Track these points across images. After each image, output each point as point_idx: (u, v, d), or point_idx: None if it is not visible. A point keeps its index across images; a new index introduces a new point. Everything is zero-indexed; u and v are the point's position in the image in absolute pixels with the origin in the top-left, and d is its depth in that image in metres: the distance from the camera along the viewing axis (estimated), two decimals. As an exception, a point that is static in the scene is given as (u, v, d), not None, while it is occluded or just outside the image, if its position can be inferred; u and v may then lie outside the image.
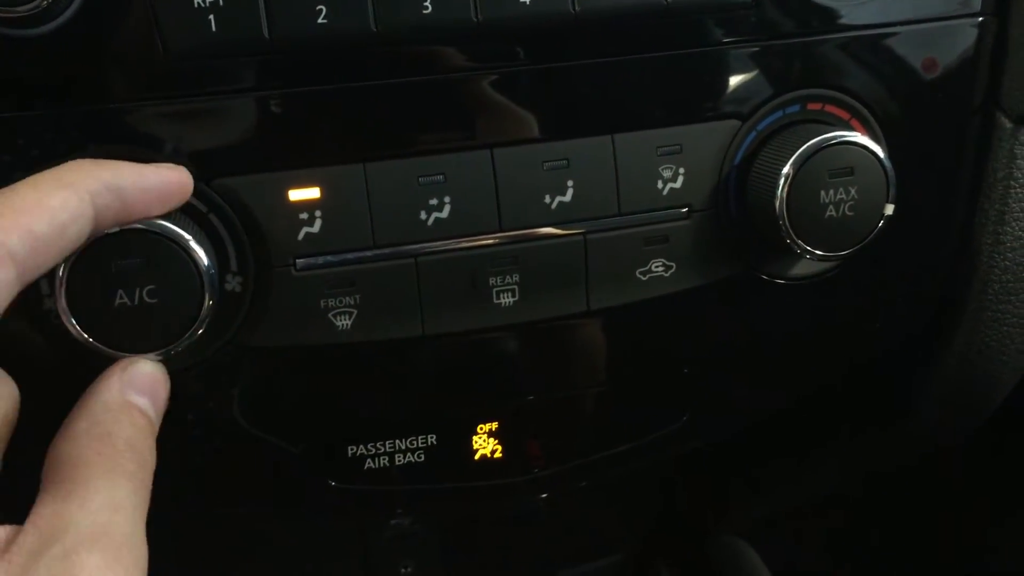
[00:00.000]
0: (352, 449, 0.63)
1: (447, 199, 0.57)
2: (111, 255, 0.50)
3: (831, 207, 0.58)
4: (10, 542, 0.40)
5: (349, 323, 0.57)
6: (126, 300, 0.50)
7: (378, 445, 0.63)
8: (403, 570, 0.95)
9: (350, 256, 0.56)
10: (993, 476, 1.06)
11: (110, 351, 0.50)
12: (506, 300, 0.59)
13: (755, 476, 0.87)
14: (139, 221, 0.50)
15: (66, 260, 0.49)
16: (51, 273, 0.51)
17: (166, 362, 0.51)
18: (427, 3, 0.53)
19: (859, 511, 1.13)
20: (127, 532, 0.41)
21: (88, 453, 0.43)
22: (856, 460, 0.85)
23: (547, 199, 0.58)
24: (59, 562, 0.38)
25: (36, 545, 0.39)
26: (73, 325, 0.50)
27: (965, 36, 0.63)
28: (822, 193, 0.58)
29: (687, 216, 0.60)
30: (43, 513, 0.41)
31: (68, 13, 0.51)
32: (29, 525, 0.40)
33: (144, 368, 0.49)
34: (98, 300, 0.50)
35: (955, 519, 1.10)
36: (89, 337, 0.50)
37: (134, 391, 0.48)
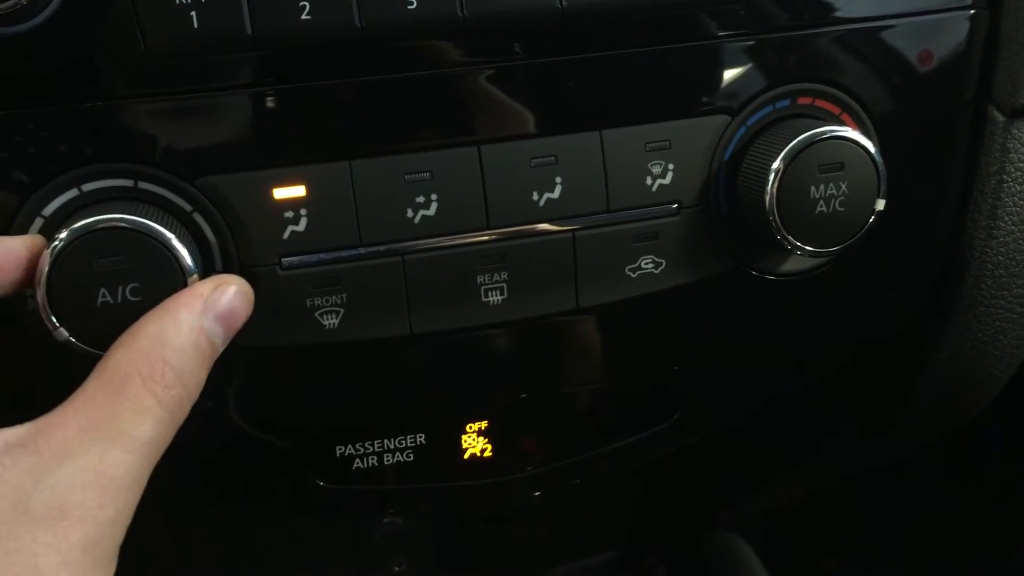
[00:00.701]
0: (340, 449, 0.62)
1: (434, 196, 0.56)
2: (93, 253, 0.49)
3: (821, 202, 0.58)
4: (15, 441, 0.40)
5: (336, 322, 0.57)
6: (109, 299, 0.49)
7: (367, 445, 0.63)
8: (396, 567, 0.95)
9: (336, 255, 0.56)
10: (992, 471, 1.06)
11: (92, 351, 0.50)
12: (494, 298, 0.58)
13: (748, 472, 0.87)
14: (122, 220, 0.50)
15: (48, 257, 0.49)
16: (34, 272, 0.51)
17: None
18: (413, -2, 0.53)
19: (853, 505, 1.13)
20: (128, 478, 0.41)
21: (136, 374, 0.42)
22: (849, 456, 0.85)
23: (535, 196, 0.57)
24: (48, 492, 0.38)
25: (33, 454, 0.39)
26: (55, 324, 0.49)
27: (957, 29, 0.63)
28: (812, 188, 0.58)
29: (677, 212, 0.60)
30: (59, 419, 0.41)
31: (48, 11, 0.50)
32: (45, 424, 0.40)
33: (230, 293, 0.48)
34: (80, 299, 0.49)
35: (952, 514, 1.09)
36: (71, 336, 0.49)
37: (213, 315, 0.46)
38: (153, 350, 0.44)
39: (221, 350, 0.47)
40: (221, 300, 0.47)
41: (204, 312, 0.46)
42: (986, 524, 1.04)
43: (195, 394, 0.45)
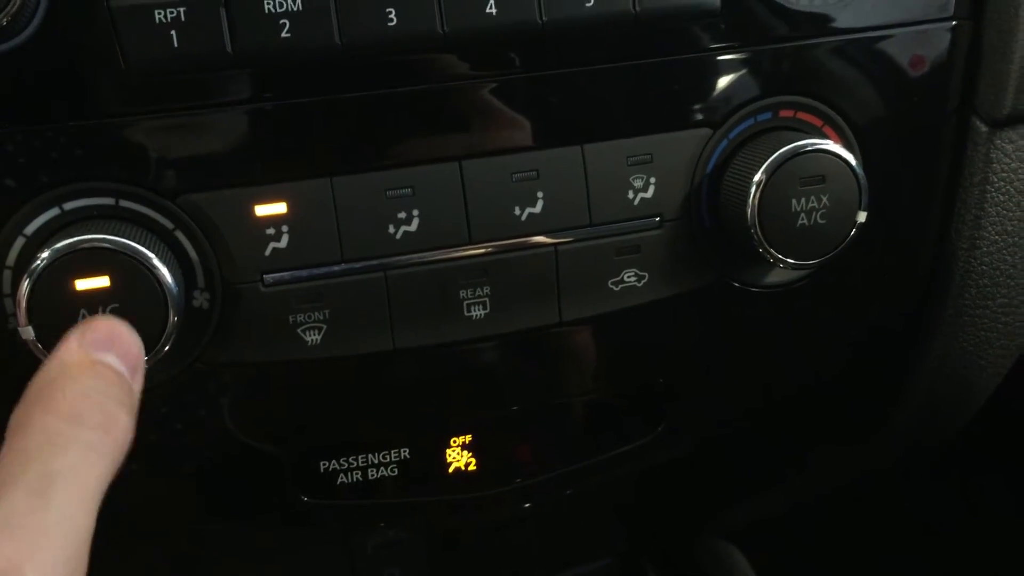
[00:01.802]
0: (324, 464, 0.63)
1: (416, 212, 0.56)
2: (74, 274, 0.49)
3: (803, 215, 0.58)
4: None
5: (319, 338, 0.57)
6: (89, 319, 0.49)
7: (351, 460, 0.63)
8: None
9: (318, 271, 0.56)
10: (987, 476, 1.06)
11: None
12: (477, 313, 0.58)
13: (735, 482, 0.87)
14: (103, 240, 0.50)
15: (28, 278, 0.49)
16: (13, 292, 0.51)
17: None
18: (392, 15, 0.53)
19: (846, 513, 1.13)
20: (58, 524, 0.36)
21: (35, 418, 0.39)
22: (837, 465, 0.85)
23: (517, 211, 0.58)
24: None
25: None
26: (36, 345, 0.49)
27: (939, 40, 0.63)
28: (794, 201, 0.58)
29: (659, 226, 0.60)
30: None
31: (28, 31, 0.50)
32: None
33: (102, 323, 0.45)
34: (61, 319, 0.49)
35: (944, 520, 1.09)
36: (52, 357, 0.49)
37: (97, 349, 0.43)
38: (42, 391, 0.41)
39: (136, 377, 0.45)
40: (95, 330, 0.44)
41: (84, 348, 0.43)
42: (981, 535, 1.04)
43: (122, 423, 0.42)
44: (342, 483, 0.63)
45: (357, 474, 0.63)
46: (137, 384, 0.45)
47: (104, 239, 0.50)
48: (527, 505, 0.70)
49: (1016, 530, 1.03)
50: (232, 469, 0.61)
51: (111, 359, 0.44)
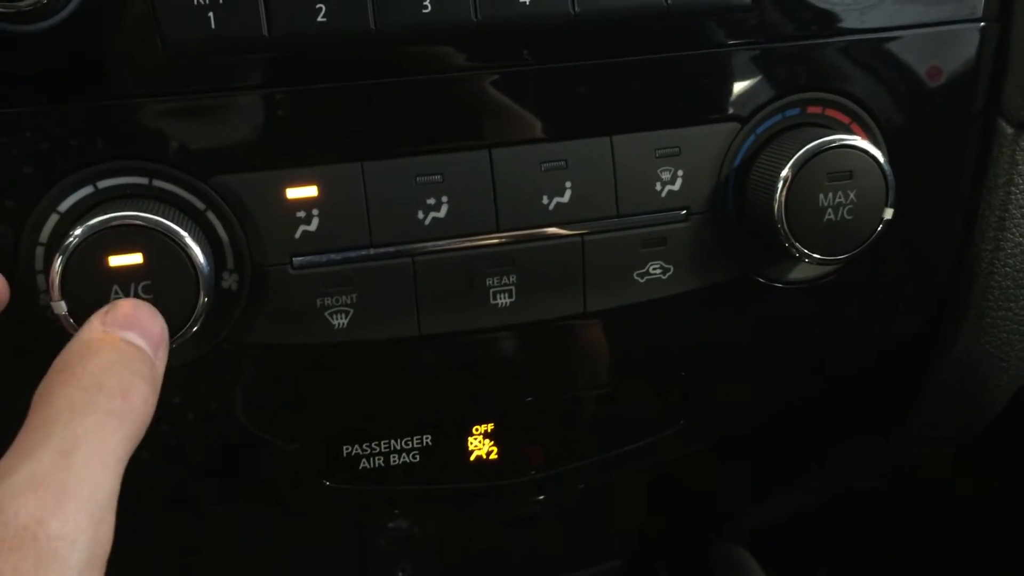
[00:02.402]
0: (348, 449, 0.63)
1: (445, 199, 0.56)
2: (106, 250, 0.50)
3: (830, 210, 0.58)
4: None
5: (345, 322, 0.57)
6: (121, 295, 0.50)
7: (373, 445, 0.63)
8: (400, 572, 0.95)
9: (347, 255, 0.56)
10: (998, 481, 1.05)
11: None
12: (503, 301, 0.59)
13: (754, 482, 0.87)
14: (136, 217, 0.50)
15: (61, 255, 0.50)
16: (47, 269, 0.51)
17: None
18: (427, 2, 0.53)
19: (860, 519, 1.13)
20: (81, 481, 0.38)
21: (57, 389, 0.41)
22: (855, 465, 0.84)
23: (545, 200, 0.58)
24: None
25: None
26: (68, 321, 0.50)
27: (967, 41, 0.63)
28: (821, 196, 0.58)
29: (685, 218, 0.60)
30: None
31: (68, 9, 0.51)
32: None
33: (124, 304, 0.47)
34: (93, 296, 0.50)
35: (959, 523, 1.09)
36: (84, 332, 0.50)
37: (119, 327, 0.45)
38: (66, 365, 0.42)
39: (159, 355, 0.47)
40: (117, 312, 0.46)
41: (106, 327, 0.45)
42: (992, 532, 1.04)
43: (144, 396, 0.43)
44: (364, 468, 0.63)
45: (379, 459, 0.63)
46: (160, 361, 0.47)
47: (138, 216, 0.50)
48: (544, 497, 0.70)
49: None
50: (254, 451, 0.61)
51: (132, 336, 0.46)
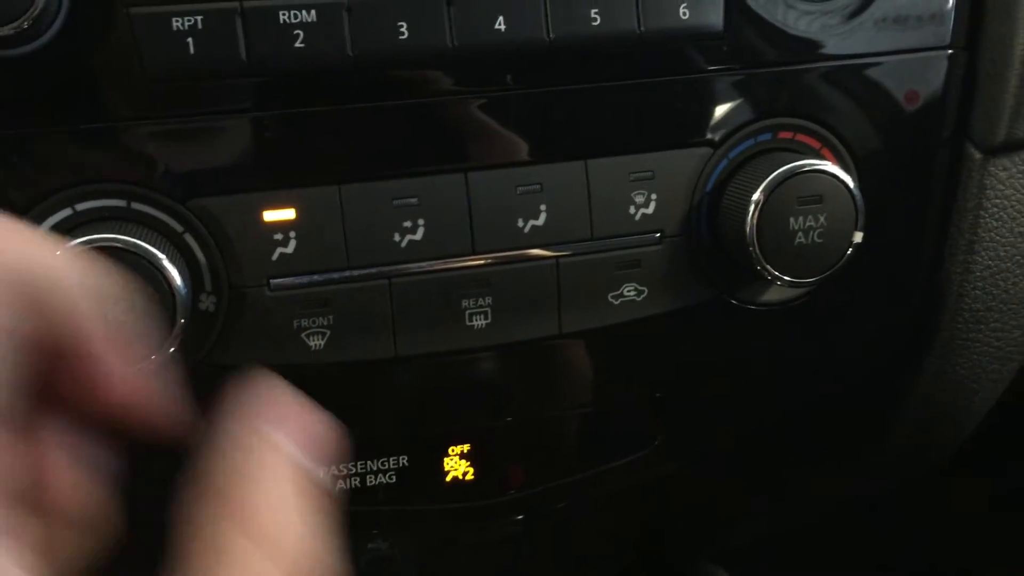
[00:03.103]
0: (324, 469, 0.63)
1: (421, 222, 0.57)
2: (84, 273, 0.50)
3: (800, 234, 0.59)
4: None
5: (322, 343, 0.57)
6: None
7: (350, 466, 0.63)
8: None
9: (324, 277, 0.57)
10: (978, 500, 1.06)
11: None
12: (479, 322, 0.59)
13: (729, 502, 0.87)
14: (114, 240, 0.51)
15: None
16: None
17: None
18: (403, 28, 0.54)
19: (840, 537, 1.13)
20: None
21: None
22: (829, 489, 0.85)
23: (520, 223, 0.59)
24: None
25: None
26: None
27: (935, 68, 0.64)
28: (791, 220, 0.59)
29: (659, 241, 0.61)
30: None
31: (49, 34, 0.51)
32: None
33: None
34: (70, 317, 0.50)
35: (941, 543, 1.10)
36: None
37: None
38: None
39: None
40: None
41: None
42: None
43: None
44: (340, 489, 0.63)
45: (356, 480, 0.64)
46: None
47: (115, 239, 0.51)
48: (524, 517, 0.71)
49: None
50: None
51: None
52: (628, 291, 0.61)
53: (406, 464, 0.64)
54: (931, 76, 0.64)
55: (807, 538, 1.05)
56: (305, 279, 0.57)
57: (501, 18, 0.55)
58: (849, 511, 0.94)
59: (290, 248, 0.56)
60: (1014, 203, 0.67)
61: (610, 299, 0.61)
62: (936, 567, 1.09)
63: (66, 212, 0.54)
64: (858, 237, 0.60)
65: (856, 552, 1.13)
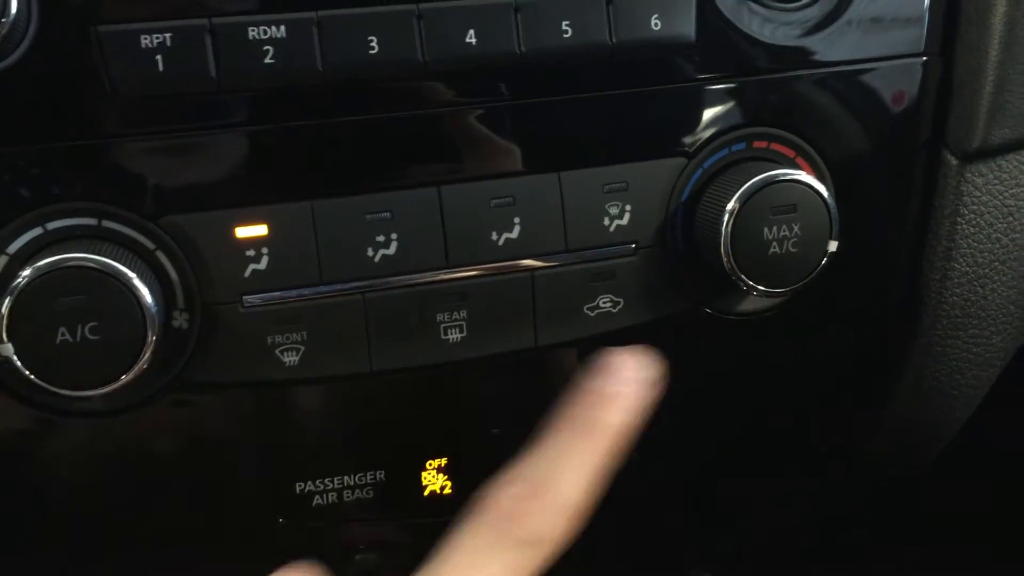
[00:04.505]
0: (300, 486, 0.63)
1: (394, 236, 0.57)
2: (54, 292, 0.50)
3: (775, 243, 0.59)
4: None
5: (296, 359, 0.57)
6: (68, 337, 0.50)
7: (327, 481, 0.63)
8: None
9: (297, 293, 0.56)
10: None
11: (54, 388, 0.51)
12: (454, 336, 0.59)
13: (713, 512, 0.87)
14: (84, 259, 0.51)
15: (9, 295, 0.50)
16: None
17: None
18: (374, 43, 0.54)
19: (829, 542, 1.13)
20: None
21: None
22: (809, 496, 0.85)
23: (494, 236, 0.58)
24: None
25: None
26: (15, 362, 0.50)
27: (910, 75, 0.64)
28: (766, 230, 0.59)
29: (634, 252, 0.61)
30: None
31: (17, 54, 0.51)
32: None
33: None
34: (40, 337, 0.50)
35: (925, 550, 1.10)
36: (31, 374, 0.50)
37: None
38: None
39: None
40: None
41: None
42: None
43: None
44: (318, 504, 0.63)
45: (333, 495, 0.63)
46: None
47: (85, 258, 0.51)
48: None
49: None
50: (207, 489, 0.61)
51: None
52: (604, 302, 0.61)
53: (383, 479, 0.64)
54: (906, 83, 0.64)
55: (790, 544, 1.05)
56: (278, 295, 0.56)
57: (472, 32, 0.55)
58: (829, 518, 0.94)
59: (263, 264, 0.56)
60: (991, 209, 0.67)
61: (586, 311, 0.61)
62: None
63: (37, 231, 0.53)
64: (833, 246, 0.60)
65: (836, 559, 1.13)
